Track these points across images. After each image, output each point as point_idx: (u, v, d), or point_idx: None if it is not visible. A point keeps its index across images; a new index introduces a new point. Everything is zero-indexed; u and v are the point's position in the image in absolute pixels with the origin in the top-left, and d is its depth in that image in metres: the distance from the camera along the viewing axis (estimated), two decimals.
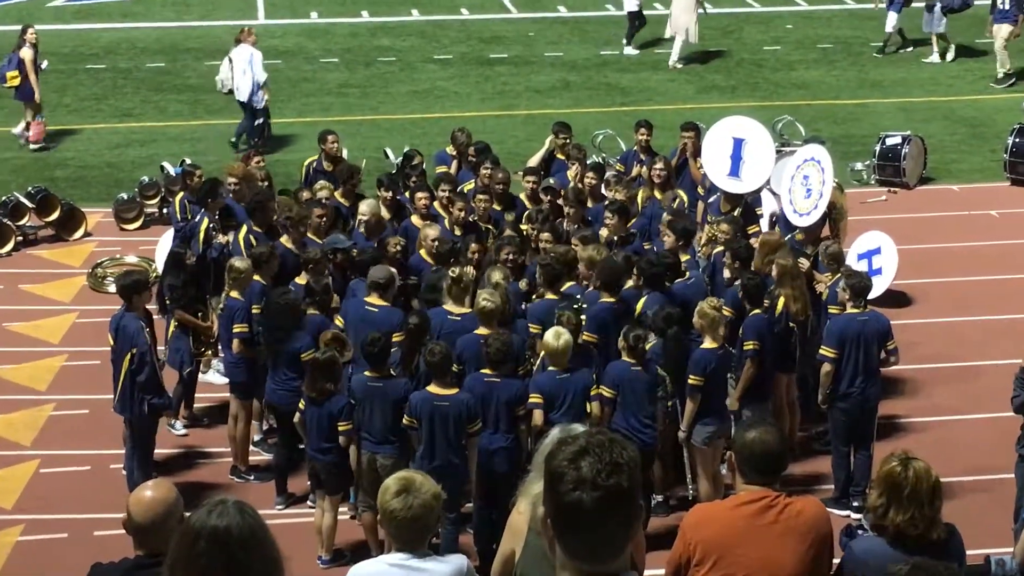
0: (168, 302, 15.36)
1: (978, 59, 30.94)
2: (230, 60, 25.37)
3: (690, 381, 13.03)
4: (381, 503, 6.91)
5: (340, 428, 12.63)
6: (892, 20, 31.24)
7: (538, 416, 12.44)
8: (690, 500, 13.35)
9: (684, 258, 14.93)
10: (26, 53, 24.96)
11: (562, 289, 14.02)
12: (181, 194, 17.38)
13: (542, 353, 12.97)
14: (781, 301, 14.08)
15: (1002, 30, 28.94)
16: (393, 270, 14.21)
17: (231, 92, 25.63)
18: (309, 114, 27.16)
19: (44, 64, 25.93)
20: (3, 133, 25.85)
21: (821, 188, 16.10)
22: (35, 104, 25.43)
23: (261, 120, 25.42)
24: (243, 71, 24.91)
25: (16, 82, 25.06)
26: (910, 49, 31.76)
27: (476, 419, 12.27)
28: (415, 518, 6.84)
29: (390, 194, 16.80)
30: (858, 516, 12.55)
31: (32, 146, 25.48)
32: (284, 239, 15.53)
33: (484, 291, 13.31)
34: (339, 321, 13.94)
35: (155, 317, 14.56)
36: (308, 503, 13.72)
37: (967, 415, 15.72)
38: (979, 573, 8.86)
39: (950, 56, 31.12)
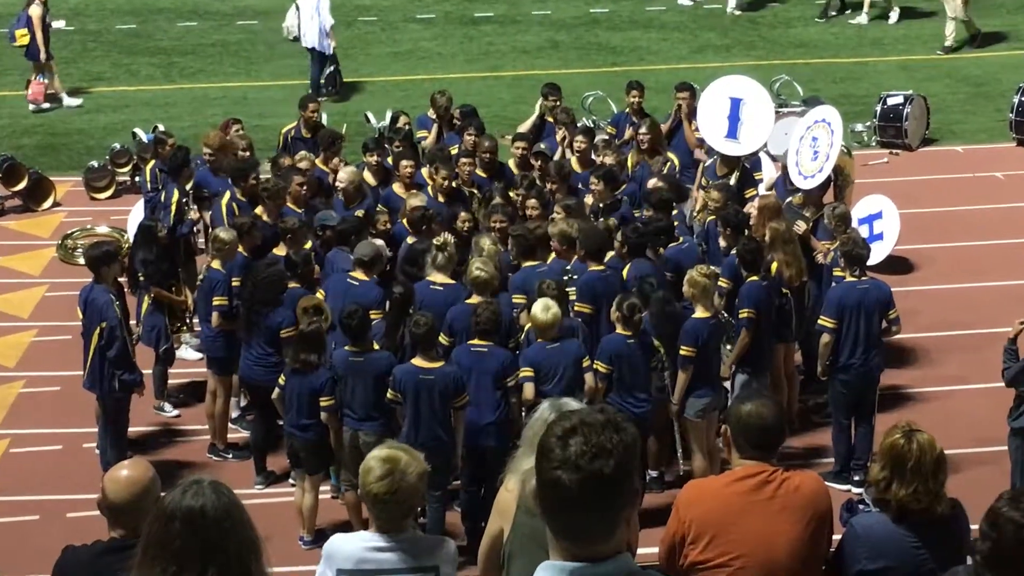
0: (142, 278, 15.28)
1: (982, 16, 30.86)
2: (297, 7, 25.98)
3: (682, 352, 13.03)
4: (363, 484, 6.90)
5: (322, 403, 12.63)
6: None
7: (528, 390, 12.43)
8: (681, 475, 13.37)
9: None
10: (34, 11, 25.10)
11: (547, 260, 14.01)
12: (152, 162, 17.35)
13: (527, 326, 12.97)
14: (774, 266, 14.08)
15: None
16: (379, 244, 14.17)
17: (297, 39, 26.23)
18: (287, 77, 27.05)
19: (59, 23, 26.01)
20: None
21: (828, 151, 16.04)
22: (39, 64, 25.61)
23: (332, 69, 25.91)
24: (311, 17, 25.47)
25: (26, 40, 25.25)
26: (848, 12, 31.48)
27: (463, 393, 12.27)
28: (399, 501, 6.84)
29: (376, 158, 16.77)
30: (859, 490, 12.62)
31: (30, 106, 25.66)
32: (259, 210, 15.50)
33: (477, 260, 13.30)
34: (320, 294, 13.93)
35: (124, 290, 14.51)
36: (289, 482, 13.73)
37: (972, 385, 15.74)
38: None
39: (893, 18, 30.85)
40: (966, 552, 7.01)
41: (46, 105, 25.72)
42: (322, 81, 25.79)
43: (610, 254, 14.12)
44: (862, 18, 30.78)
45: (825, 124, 16.30)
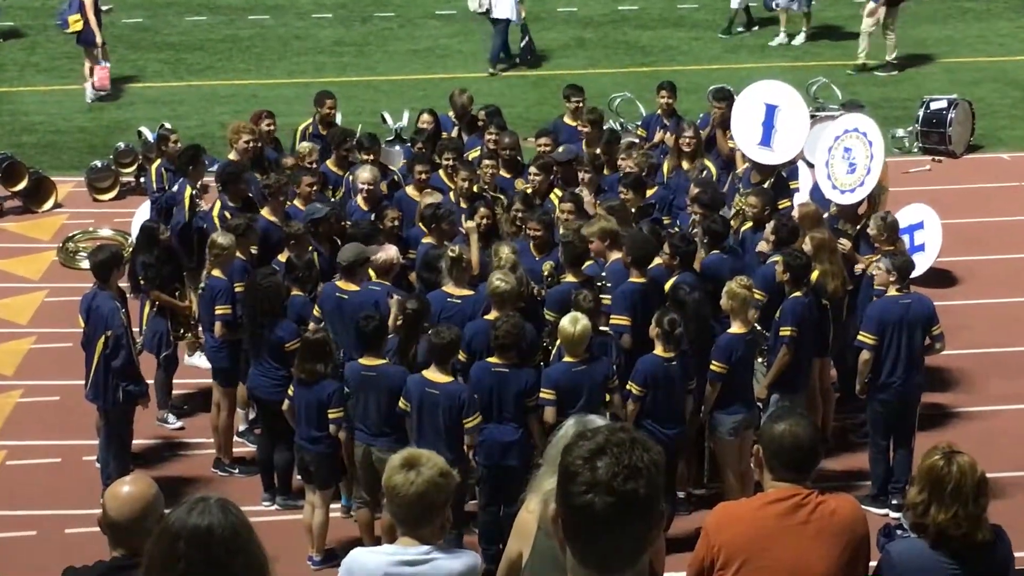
0: (143, 282, 15.30)
1: None
2: None
3: (712, 367, 13.00)
4: (385, 479, 6.90)
5: (330, 415, 12.66)
6: None
7: (549, 414, 12.35)
8: (708, 496, 13.33)
9: None
10: None
11: (583, 268, 13.91)
12: (158, 161, 17.38)
13: (558, 341, 12.87)
14: (814, 276, 13.98)
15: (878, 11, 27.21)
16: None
17: (487, 12, 27.71)
18: (300, 75, 27.15)
19: (108, 7, 26.27)
20: None
21: (868, 163, 15.93)
22: (95, 50, 25.86)
23: (527, 38, 27.95)
24: None
25: (79, 26, 25.54)
26: (755, 28, 30.33)
27: (472, 413, 12.22)
28: (419, 495, 6.79)
29: (371, 156, 16.75)
30: (897, 515, 12.57)
31: (98, 93, 26.04)
32: (265, 211, 15.51)
33: (498, 272, 13.19)
34: (317, 311, 13.81)
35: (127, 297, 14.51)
36: (300, 503, 13.68)
37: (1019, 405, 15.72)
38: None
39: (800, 39, 29.39)
40: None
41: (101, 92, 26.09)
42: (516, 50, 27.97)
43: (658, 260, 14.01)
44: (781, 38, 29.48)
45: (860, 135, 16.20)
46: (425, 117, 18.29)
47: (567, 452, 4.25)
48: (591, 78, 24.99)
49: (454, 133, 18.48)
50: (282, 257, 14.58)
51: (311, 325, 13.39)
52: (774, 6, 29.53)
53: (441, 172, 16.49)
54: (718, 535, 6.94)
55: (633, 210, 15.50)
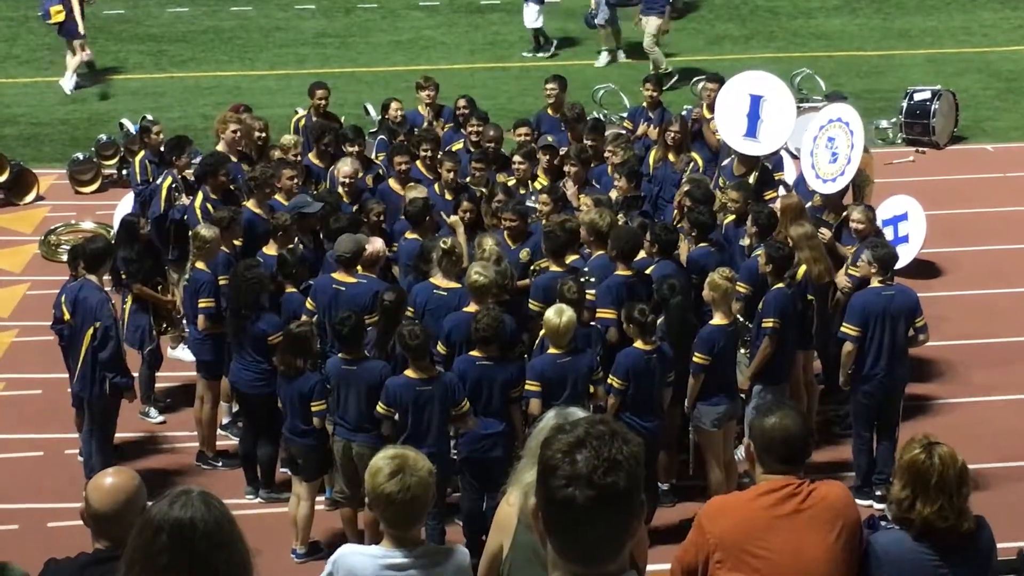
0: (124, 276, 15.26)
1: (1016, 7, 30.89)
2: None
3: (695, 359, 13.02)
4: (373, 487, 6.90)
5: (313, 408, 12.65)
6: (532, 14, 28.52)
7: (535, 406, 12.34)
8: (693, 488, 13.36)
9: None
10: None
11: (567, 261, 13.97)
12: (141, 153, 17.35)
13: (542, 332, 12.89)
14: (801, 270, 14.01)
15: (649, 23, 26.40)
16: (360, 238, 14.03)
17: None
18: (282, 66, 27.11)
19: None
20: None
21: (849, 153, 15.96)
22: (75, 43, 25.91)
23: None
24: None
25: (60, 17, 25.59)
26: (551, 52, 29.01)
27: (462, 400, 12.25)
28: (413, 499, 6.83)
29: (356, 149, 16.74)
30: (881, 506, 12.60)
31: (76, 82, 26.18)
32: (250, 203, 15.51)
33: (477, 264, 13.21)
34: (310, 304, 13.79)
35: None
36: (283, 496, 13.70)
37: (1001, 396, 15.76)
38: (1011, 568, 8.90)
39: (607, 58, 28.01)
40: (992, 569, 7.03)
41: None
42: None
43: (641, 252, 14.03)
44: (602, 58, 28.17)
45: (842, 124, 16.23)
46: (395, 105, 18.33)
47: (547, 445, 4.24)
48: (575, 69, 24.99)
49: (425, 124, 18.47)
50: (267, 249, 14.57)
51: (303, 318, 13.39)
52: (596, 24, 28.44)
53: (419, 163, 16.46)
54: (713, 527, 6.96)
55: (623, 198, 15.52)
